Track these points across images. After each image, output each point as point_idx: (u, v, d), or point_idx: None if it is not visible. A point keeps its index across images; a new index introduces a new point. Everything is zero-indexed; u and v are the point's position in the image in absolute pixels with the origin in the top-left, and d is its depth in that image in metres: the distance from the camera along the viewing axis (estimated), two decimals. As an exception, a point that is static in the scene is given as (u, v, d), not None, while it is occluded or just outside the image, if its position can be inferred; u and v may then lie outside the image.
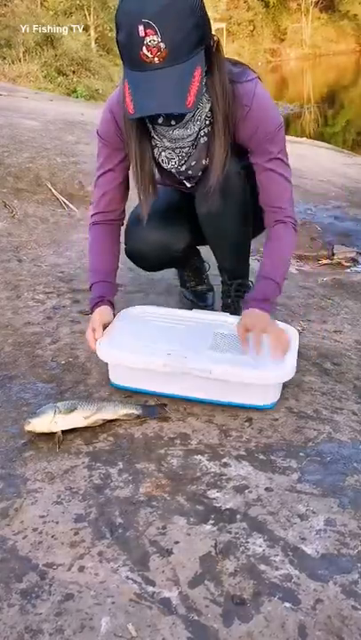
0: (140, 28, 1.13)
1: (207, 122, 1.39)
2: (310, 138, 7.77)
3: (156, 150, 1.45)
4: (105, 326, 1.47)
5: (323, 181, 4.06)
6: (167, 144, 1.42)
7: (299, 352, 1.45)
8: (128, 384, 1.44)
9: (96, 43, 17.26)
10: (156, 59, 1.16)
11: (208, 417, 1.35)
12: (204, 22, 1.20)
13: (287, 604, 0.90)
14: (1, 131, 3.81)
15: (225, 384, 1.35)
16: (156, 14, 1.12)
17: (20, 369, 1.54)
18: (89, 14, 17.52)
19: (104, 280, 1.55)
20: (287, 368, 1.36)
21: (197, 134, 1.40)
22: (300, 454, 1.23)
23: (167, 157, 1.45)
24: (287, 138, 1.58)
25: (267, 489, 1.13)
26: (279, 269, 1.48)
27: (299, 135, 8.05)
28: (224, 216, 1.53)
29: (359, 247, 2.81)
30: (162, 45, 1.14)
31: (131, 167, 1.46)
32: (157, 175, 1.49)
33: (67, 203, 3.00)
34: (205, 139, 1.41)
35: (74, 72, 14.53)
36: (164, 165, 1.47)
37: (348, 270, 2.53)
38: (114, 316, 1.52)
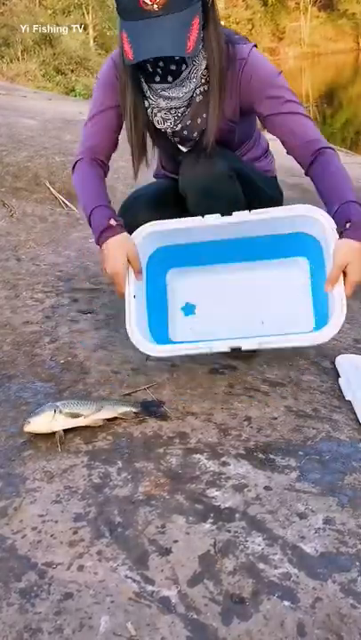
0: None
1: (203, 80, 1.40)
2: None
3: (150, 111, 1.44)
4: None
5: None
6: (162, 104, 1.41)
7: (297, 350, 1.45)
8: None
9: (95, 41, 17.24)
10: (155, 6, 1.18)
11: (207, 416, 1.35)
12: None
13: (286, 603, 0.90)
14: (-1, 130, 3.80)
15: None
16: None
17: (18, 368, 1.54)
18: (87, 13, 17.49)
19: (107, 205, 1.45)
20: None
21: (193, 93, 1.40)
22: (299, 453, 1.24)
23: (162, 118, 1.44)
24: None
25: (266, 488, 1.13)
26: (351, 189, 1.34)
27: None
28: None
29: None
30: None
31: (125, 124, 1.46)
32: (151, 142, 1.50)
33: (65, 202, 3.00)
34: (201, 97, 1.41)
35: (72, 71, 14.51)
36: (159, 126, 1.46)
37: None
38: None
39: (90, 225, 1.45)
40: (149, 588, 0.92)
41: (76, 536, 1.02)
